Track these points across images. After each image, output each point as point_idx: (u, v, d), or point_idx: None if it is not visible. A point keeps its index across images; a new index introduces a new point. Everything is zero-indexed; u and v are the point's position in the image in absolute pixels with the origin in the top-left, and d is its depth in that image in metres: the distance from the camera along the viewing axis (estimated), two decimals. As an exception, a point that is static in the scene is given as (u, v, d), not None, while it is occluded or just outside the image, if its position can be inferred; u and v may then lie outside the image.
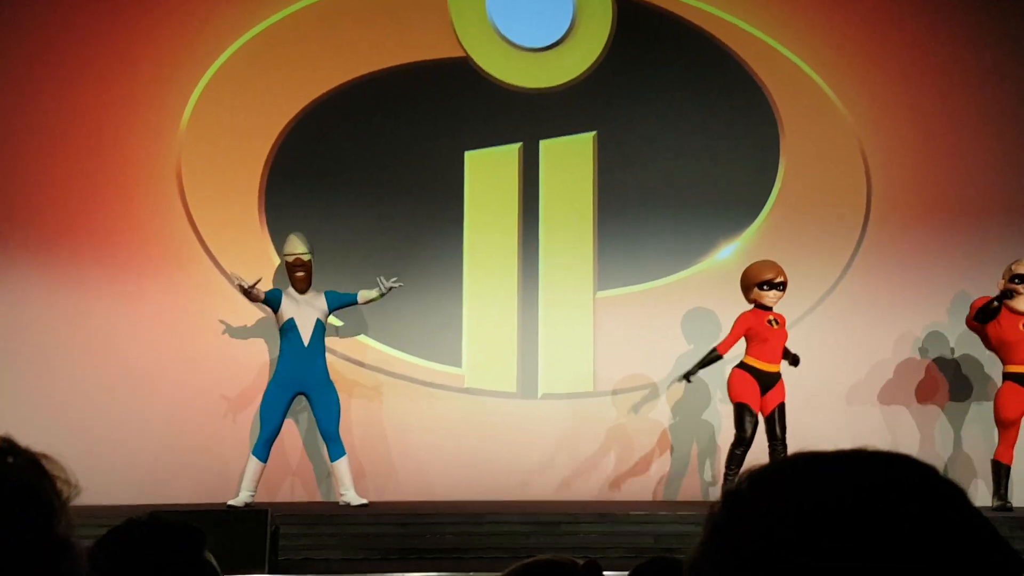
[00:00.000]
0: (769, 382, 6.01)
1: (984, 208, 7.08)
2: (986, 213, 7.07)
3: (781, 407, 5.99)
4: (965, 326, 6.77)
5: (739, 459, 5.89)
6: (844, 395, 6.91)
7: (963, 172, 7.14)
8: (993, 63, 7.18)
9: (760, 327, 6.06)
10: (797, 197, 7.08)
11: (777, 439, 5.95)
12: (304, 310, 6.17)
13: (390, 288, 6.19)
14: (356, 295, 6.27)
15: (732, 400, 6.05)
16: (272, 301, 6.20)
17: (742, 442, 5.90)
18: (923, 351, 7.01)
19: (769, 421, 5.98)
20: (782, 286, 6.13)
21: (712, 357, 6.07)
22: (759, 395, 5.97)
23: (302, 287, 6.22)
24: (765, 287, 6.08)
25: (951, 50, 7.19)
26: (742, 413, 5.94)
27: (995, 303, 6.18)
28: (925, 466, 0.67)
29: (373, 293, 6.23)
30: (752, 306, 6.13)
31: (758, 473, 0.68)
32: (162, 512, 1.35)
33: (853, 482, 0.64)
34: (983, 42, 7.18)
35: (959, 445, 6.93)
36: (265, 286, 6.37)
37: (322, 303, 6.25)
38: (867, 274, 7.02)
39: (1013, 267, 6.33)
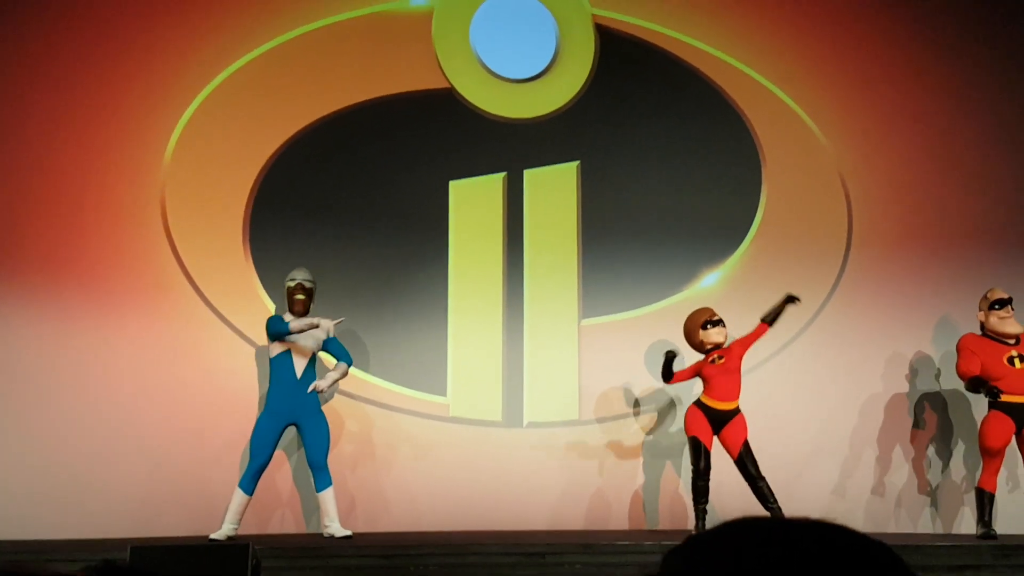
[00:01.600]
0: (722, 419, 6.11)
1: (964, 234, 7.14)
2: (967, 239, 7.13)
3: (746, 446, 6.08)
4: (948, 352, 6.80)
5: (702, 489, 6.07)
6: (827, 422, 6.93)
7: (942, 199, 7.20)
8: (972, 93, 7.26)
9: (704, 367, 6.21)
10: (779, 225, 7.13)
11: (753, 478, 6.03)
12: (301, 340, 6.14)
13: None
14: (344, 363, 6.21)
15: (687, 434, 6.18)
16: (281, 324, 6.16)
17: (699, 474, 6.08)
18: (908, 377, 7.04)
19: (739, 463, 6.06)
20: (722, 322, 6.28)
21: (669, 358, 6.24)
22: (710, 430, 6.11)
23: (300, 311, 6.20)
24: (708, 326, 6.21)
25: (930, 80, 7.27)
26: (695, 446, 6.12)
27: (984, 392, 6.18)
28: (857, 535, 0.68)
29: (338, 373, 6.20)
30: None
31: (688, 543, 0.70)
32: (130, 556, 1.35)
33: (782, 554, 0.66)
34: (962, 73, 7.27)
35: (947, 472, 6.95)
36: (264, 313, 6.37)
37: (321, 334, 6.23)
38: (849, 302, 7.06)
39: (989, 295, 6.37)
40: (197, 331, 6.75)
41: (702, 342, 6.26)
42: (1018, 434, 6.17)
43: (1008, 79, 7.25)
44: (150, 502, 6.47)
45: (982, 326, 6.36)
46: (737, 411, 6.15)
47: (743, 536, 0.68)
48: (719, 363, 6.18)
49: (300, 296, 6.24)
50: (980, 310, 6.39)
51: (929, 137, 7.24)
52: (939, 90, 7.26)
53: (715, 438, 6.13)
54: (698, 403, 6.18)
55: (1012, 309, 6.29)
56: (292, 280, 6.27)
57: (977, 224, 7.15)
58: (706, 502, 6.05)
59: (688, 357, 6.55)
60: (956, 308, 6.98)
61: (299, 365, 6.10)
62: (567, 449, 6.88)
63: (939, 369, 7.04)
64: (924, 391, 7.01)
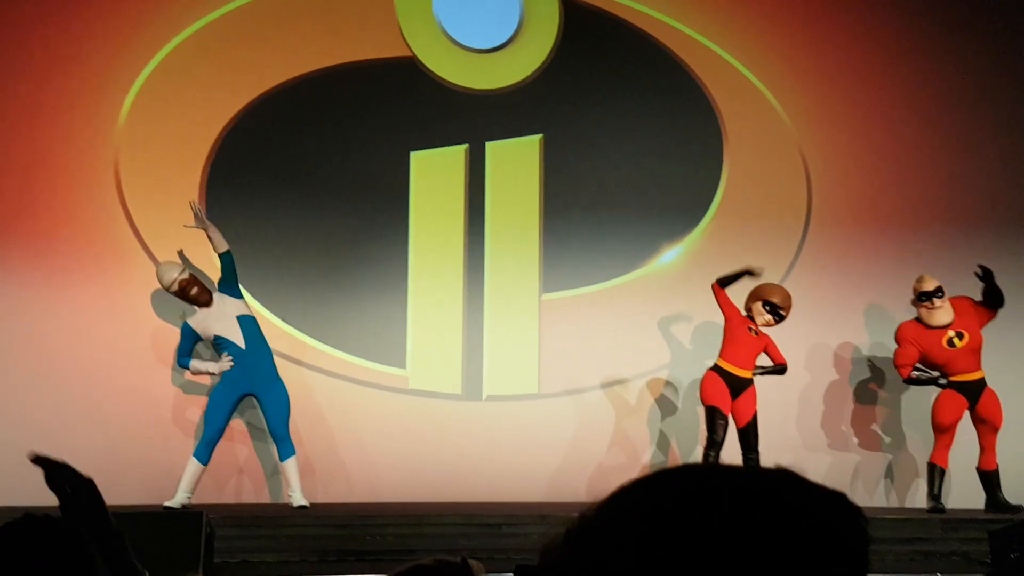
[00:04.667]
0: (740, 387, 6.07)
1: (922, 215, 7.22)
2: (924, 220, 7.21)
3: (754, 419, 6.05)
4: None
5: (713, 461, 5.95)
6: (785, 396, 6.98)
7: (901, 181, 7.27)
8: (932, 74, 7.33)
9: (740, 329, 6.12)
10: (739, 202, 7.16)
11: (751, 449, 6.01)
12: (219, 322, 5.98)
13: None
14: (223, 260, 6.04)
15: (704, 403, 6.13)
16: (192, 336, 6.04)
17: (713, 445, 5.99)
18: (865, 352, 7.12)
19: (743, 433, 6.03)
20: (778, 316, 6.19)
21: (737, 275, 6.12)
22: (729, 399, 6.04)
23: (205, 300, 6.03)
24: (766, 307, 6.17)
25: (892, 61, 7.32)
26: (713, 417, 6.02)
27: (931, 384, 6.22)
28: (727, 470, 0.67)
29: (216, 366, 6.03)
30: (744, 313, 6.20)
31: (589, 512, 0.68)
32: (37, 511, 1.31)
33: (668, 500, 0.64)
34: (923, 54, 7.33)
35: (902, 446, 7.04)
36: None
37: (230, 299, 6.04)
38: (807, 278, 7.12)
39: (916, 286, 6.24)
40: (152, 299, 6.65)
41: (750, 314, 6.15)
42: (971, 410, 6.25)
43: (969, 63, 7.31)
44: (105, 470, 6.33)
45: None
46: (752, 380, 6.10)
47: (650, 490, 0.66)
48: (754, 336, 6.12)
49: (194, 291, 6.01)
50: (912, 301, 6.31)
51: (889, 117, 7.30)
52: (900, 72, 7.32)
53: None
54: (718, 369, 6.06)
55: (939, 297, 6.15)
56: (171, 286, 6.04)
57: (935, 205, 7.23)
58: None
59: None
60: (911, 285, 7.06)
61: (237, 339, 5.95)
62: (526, 422, 6.88)
63: (896, 344, 7.12)
64: (881, 366, 7.10)
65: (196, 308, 6.07)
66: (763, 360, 6.25)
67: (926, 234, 7.16)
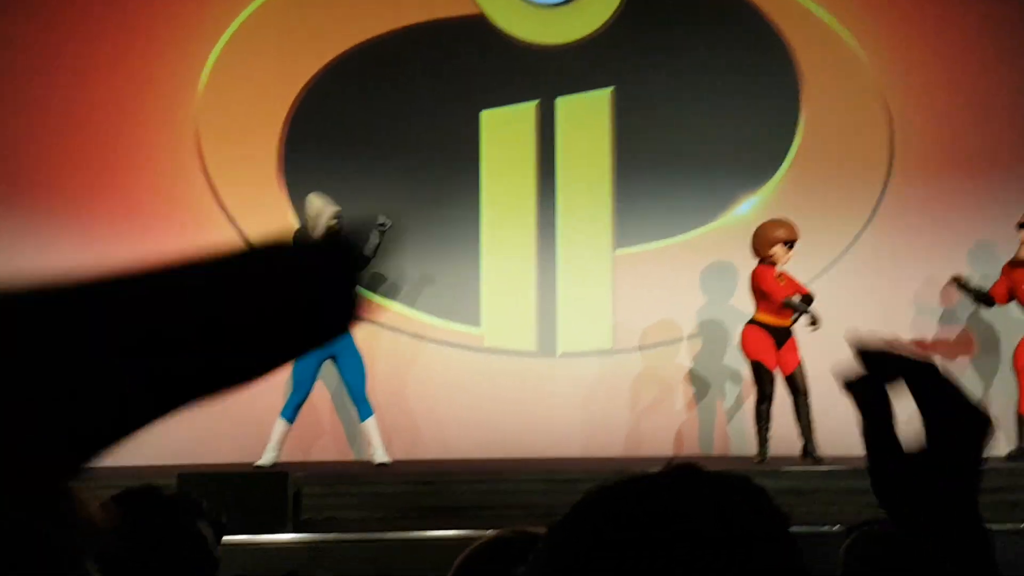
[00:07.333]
0: (781, 337, 5.99)
1: (1008, 156, 6.97)
2: (1010, 161, 6.96)
3: (800, 368, 5.96)
4: (985, 277, 6.70)
5: (765, 414, 5.96)
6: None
7: (986, 121, 7.02)
8: (1019, 9, 7.01)
9: (774, 284, 6.01)
10: (818, 150, 7.00)
11: (800, 394, 5.94)
12: None
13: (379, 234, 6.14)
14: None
15: (748, 358, 6.07)
16: None
17: (764, 398, 5.95)
18: (944, 303, 6.95)
19: (791, 379, 5.96)
20: (793, 244, 6.05)
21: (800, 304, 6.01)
22: (774, 350, 5.97)
23: None
24: (787, 245, 6.01)
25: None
26: (759, 371, 5.97)
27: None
28: (703, 477, 0.67)
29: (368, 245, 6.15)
30: (758, 262, 6.06)
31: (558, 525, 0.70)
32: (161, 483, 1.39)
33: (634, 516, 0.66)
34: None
35: (986, 398, 6.89)
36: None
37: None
38: (889, 226, 6.96)
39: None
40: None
41: (771, 256, 6.00)
42: None
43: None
44: (199, 430, 6.60)
45: None
46: (790, 330, 5.99)
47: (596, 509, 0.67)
48: (783, 284, 6.00)
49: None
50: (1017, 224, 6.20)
51: (975, 56, 7.02)
52: (987, 8, 7.02)
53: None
54: (757, 323, 5.97)
55: None
56: (334, 218, 6.07)
57: (1021, 145, 6.97)
58: (769, 427, 5.94)
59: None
60: (996, 232, 6.84)
61: None
62: (601, 378, 6.92)
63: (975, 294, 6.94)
64: (963, 315, 6.93)
65: None
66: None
67: (1013, 174, 6.91)
